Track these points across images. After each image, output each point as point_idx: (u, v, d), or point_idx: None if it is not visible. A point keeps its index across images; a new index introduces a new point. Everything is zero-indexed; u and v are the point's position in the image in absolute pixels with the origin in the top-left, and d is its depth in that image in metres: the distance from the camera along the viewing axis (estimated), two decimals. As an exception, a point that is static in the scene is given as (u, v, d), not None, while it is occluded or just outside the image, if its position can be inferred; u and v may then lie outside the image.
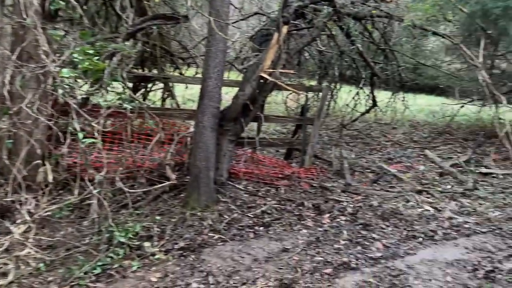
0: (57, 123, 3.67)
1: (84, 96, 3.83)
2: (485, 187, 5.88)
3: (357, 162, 6.90)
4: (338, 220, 4.52)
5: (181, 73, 6.53)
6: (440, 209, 4.96)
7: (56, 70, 3.00)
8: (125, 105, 3.74)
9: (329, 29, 6.28)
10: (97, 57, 3.21)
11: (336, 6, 4.98)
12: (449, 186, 5.84)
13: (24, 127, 3.53)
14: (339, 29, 5.83)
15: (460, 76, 10.25)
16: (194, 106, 8.34)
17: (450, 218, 4.71)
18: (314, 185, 5.59)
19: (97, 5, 5.50)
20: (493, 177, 6.33)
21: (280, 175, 5.82)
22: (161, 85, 7.02)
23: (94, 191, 3.28)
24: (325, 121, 9.63)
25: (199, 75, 6.59)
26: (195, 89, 7.24)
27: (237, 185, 5.21)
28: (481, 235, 4.32)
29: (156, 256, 3.48)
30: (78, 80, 3.60)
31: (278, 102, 10.15)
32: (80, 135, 3.15)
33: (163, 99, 7.57)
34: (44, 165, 3.50)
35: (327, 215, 4.63)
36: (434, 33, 6.09)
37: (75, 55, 3.02)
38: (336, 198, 5.12)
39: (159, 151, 5.35)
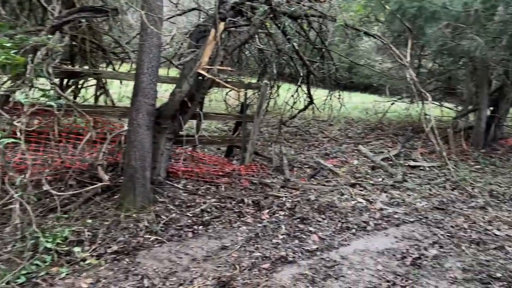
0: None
1: (3, 93, 3.52)
2: (413, 179, 6.29)
3: (296, 158, 7.06)
4: (277, 215, 4.58)
5: (114, 69, 6.25)
6: (372, 201, 5.22)
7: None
8: (49, 103, 3.49)
9: (266, 27, 6.34)
10: (15, 51, 2.96)
11: (272, 4, 5.03)
12: (380, 179, 6.16)
13: None
14: (277, 28, 5.91)
15: (391, 75, 10.88)
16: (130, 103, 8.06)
17: (381, 209, 4.98)
18: (254, 181, 5.63)
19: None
20: (421, 169, 6.79)
21: (220, 173, 5.79)
22: (94, 81, 6.69)
23: (16, 195, 3.03)
24: (265, 118, 9.76)
25: (134, 71, 6.36)
26: (132, 86, 7.00)
27: (176, 184, 5.10)
28: (409, 225, 4.61)
29: (87, 261, 3.30)
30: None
31: (220, 99, 10.12)
32: (-4, 135, 2.89)
33: (96, 96, 7.23)
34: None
35: (267, 210, 4.68)
36: (366, 33, 6.38)
37: (-11, 48, 2.76)
38: (276, 194, 5.20)
39: (92, 151, 5.09)
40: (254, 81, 8.92)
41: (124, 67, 6.66)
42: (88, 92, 7.61)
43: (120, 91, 8.28)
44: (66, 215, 3.88)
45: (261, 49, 8.27)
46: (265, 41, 8.31)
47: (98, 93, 6.62)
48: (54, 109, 3.86)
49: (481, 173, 6.81)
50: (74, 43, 4.97)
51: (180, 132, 5.32)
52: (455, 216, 4.88)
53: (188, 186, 5.22)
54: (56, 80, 4.45)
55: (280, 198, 5.07)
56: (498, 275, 3.49)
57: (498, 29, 4.79)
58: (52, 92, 3.85)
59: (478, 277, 3.46)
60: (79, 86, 6.71)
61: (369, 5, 5.97)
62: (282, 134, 8.25)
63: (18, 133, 3.37)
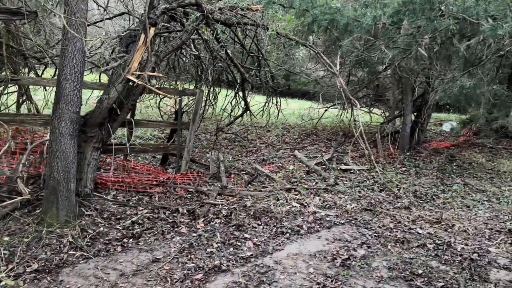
0: None
1: None
2: (344, 182, 6.55)
3: (234, 165, 7.06)
4: (213, 223, 4.54)
5: (37, 74, 5.85)
6: (306, 204, 5.36)
7: None
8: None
9: (199, 34, 6.30)
10: None
11: (204, 11, 5.01)
12: (314, 183, 6.35)
13: None
14: (211, 34, 5.89)
15: (324, 83, 11.31)
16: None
17: (314, 212, 5.12)
18: (190, 190, 5.54)
19: None
20: (351, 173, 7.10)
21: (154, 182, 5.63)
22: (16, 88, 6.21)
23: None
24: (203, 125, 9.69)
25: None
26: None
27: (104, 196, 4.86)
28: (340, 226, 4.78)
29: (3, 283, 3.02)
30: None
31: (155, 106, 9.86)
32: None
33: (19, 104, 6.72)
34: None
35: (202, 219, 4.62)
36: (297, 42, 6.57)
37: None
38: (212, 202, 5.15)
39: (11, 163, 4.71)
40: (192, 87, 8.82)
41: (49, 73, 6.25)
42: (10, 99, 7.06)
43: (48, 97, 7.78)
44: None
45: (197, 55, 8.20)
46: (202, 48, 8.26)
47: (20, 101, 6.14)
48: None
49: (406, 175, 7.27)
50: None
51: (109, 141, 5.10)
52: (382, 217, 5.15)
53: (118, 198, 5.01)
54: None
55: (217, 206, 5.03)
56: (420, 271, 3.72)
57: (406, 41, 5.18)
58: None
59: (402, 274, 3.66)
60: (-2, 93, 6.19)
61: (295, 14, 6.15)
62: (219, 141, 8.23)
63: None
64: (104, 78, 6.99)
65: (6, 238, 3.56)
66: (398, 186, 6.49)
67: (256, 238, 4.25)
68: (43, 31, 5.59)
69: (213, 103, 9.54)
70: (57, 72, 4.10)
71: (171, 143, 6.48)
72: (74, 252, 3.58)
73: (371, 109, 11.77)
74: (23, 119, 4.67)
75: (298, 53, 12.34)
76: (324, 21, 5.28)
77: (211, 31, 5.54)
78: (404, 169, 7.70)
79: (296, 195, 5.73)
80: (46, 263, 3.36)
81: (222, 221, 4.63)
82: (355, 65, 8.78)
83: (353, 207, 5.42)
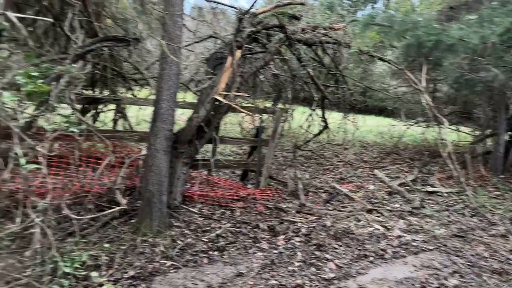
0: (-2, 147, 3.46)
1: (28, 119, 3.65)
2: (431, 205, 6.18)
3: (311, 183, 7.03)
4: (292, 241, 4.55)
5: (133, 94, 6.41)
6: (390, 227, 5.14)
7: (-3, 93, 2.84)
8: (71, 128, 3.59)
9: (281, 54, 6.46)
10: (42, 80, 3.08)
11: (287, 32, 5.14)
12: (397, 205, 6.08)
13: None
14: (292, 54, 6.02)
15: (406, 99, 10.86)
16: (148, 127, 8.21)
17: (399, 236, 4.89)
18: (270, 206, 5.62)
19: (46, 25, 5.31)
20: (438, 195, 6.68)
21: (235, 197, 5.80)
22: (113, 106, 6.84)
23: (37, 219, 3.09)
24: (279, 142, 9.80)
25: (153, 96, 6.51)
26: (150, 110, 7.15)
27: (191, 209, 5.12)
28: (428, 253, 4.51)
29: (104, 287, 3.31)
30: (22, 103, 3.43)
31: (234, 123, 10.22)
32: (22, 160, 2.98)
33: (115, 121, 7.38)
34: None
35: (282, 236, 4.65)
36: (380, 59, 6.43)
37: (18, 77, 2.89)
38: (291, 219, 5.17)
39: (110, 175, 5.17)
40: (268, 104, 9.01)
41: (143, 93, 6.82)
42: (107, 116, 7.80)
43: (138, 114, 8.45)
44: (84, 239, 3.92)
45: (275, 74, 8.38)
46: (280, 66, 8.43)
47: (116, 118, 6.76)
48: (75, 134, 3.97)
49: (500, 200, 6.66)
50: (95, 70, 5.13)
51: (196, 156, 5.38)
52: (475, 244, 4.76)
53: (203, 211, 5.24)
54: (78, 106, 4.59)
55: (296, 224, 5.04)
56: (523, 307, 3.38)
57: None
58: (73, 117, 3.97)
59: (502, 309, 3.35)
60: (98, 111, 6.87)
61: (383, 31, 6.04)
62: (297, 158, 8.25)
63: (41, 158, 3.46)
64: (189, 97, 7.44)
65: (107, 245, 3.90)
66: (492, 212, 5.96)
67: (338, 259, 4.18)
68: (138, 54, 6.14)
69: (290, 120, 9.64)
70: (154, 93, 4.45)
71: (251, 159, 6.66)
72: (165, 262, 3.81)
73: (458, 127, 11.02)
74: (122, 135, 5.13)
75: (377, 68, 12.03)
76: (429, 42, 5.13)
77: (293, 51, 5.66)
78: (498, 193, 7.06)
79: (378, 216, 5.53)
80: (141, 270, 3.61)
81: (302, 239, 4.62)
82: (454, 84, 8.29)
83: (442, 233, 5.08)
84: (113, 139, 4.94)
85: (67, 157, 4.58)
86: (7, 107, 3.08)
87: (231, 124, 10.74)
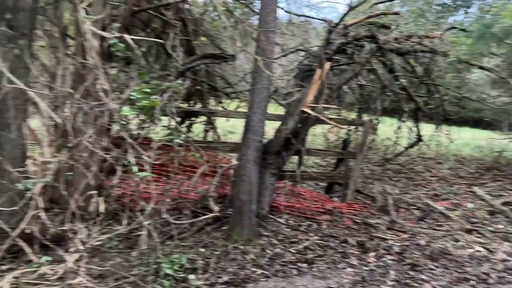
0: (109, 155, 3.86)
1: (137, 130, 4.03)
2: (542, 227, 5.53)
3: (401, 198, 6.71)
4: (384, 259, 4.37)
5: (223, 107, 6.73)
6: (493, 250, 4.70)
7: (115, 107, 3.20)
8: (175, 139, 3.89)
9: (370, 63, 6.31)
10: (154, 96, 3.41)
11: (379, 42, 5.02)
12: (501, 226, 5.54)
13: (81, 159, 3.74)
14: (381, 64, 5.86)
15: (508, 110, 9.88)
16: (234, 138, 8.54)
17: (504, 260, 4.45)
18: (357, 221, 5.47)
19: (149, 45, 5.84)
20: (550, 217, 5.95)
21: (321, 210, 5.75)
22: (204, 118, 7.24)
23: (145, 223, 3.38)
24: (366, 155, 9.51)
25: (241, 109, 6.77)
26: (234, 121, 7.46)
27: (278, 219, 5.19)
28: (540, 281, 4.04)
29: (201, 290, 3.49)
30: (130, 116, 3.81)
31: (317, 134, 10.16)
32: (135, 168, 3.30)
33: (206, 132, 7.79)
34: (100, 195, 3.66)
35: (373, 253, 4.50)
36: (481, 68, 5.97)
37: (133, 93, 3.23)
38: (381, 236, 4.98)
39: (202, 183, 5.46)
40: (353, 115, 8.82)
41: (232, 105, 7.12)
42: (197, 127, 8.28)
43: (224, 125, 8.83)
44: (182, 243, 4.19)
45: (361, 84, 8.20)
46: (367, 76, 8.23)
47: (207, 129, 7.13)
48: (174, 144, 4.29)
49: None
50: (193, 85, 5.50)
51: (283, 167, 5.46)
52: None
53: (290, 221, 5.27)
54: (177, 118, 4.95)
55: (386, 241, 4.84)
56: None
57: None
58: (174, 129, 4.30)
59: None
60: (191, 122, 7.31)
61: (483, 37, 5.59)
62: (385, 172, 7.94)
63: (146, 166, 3.79)
64: (270, 108, 7.59)
65: (202, 249, 4.12)
66: None
67: (435, 281, 3.92)
68: (232, 69, 6.45)
69: (377, 132, 9.33)
70: (246, 106, 4.63)
71: (337, 172, 6.56)
72: (256, 269, 3.90)
73: None
74: (215, 145, 5.41)
75: (474, 77, 11.14)
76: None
77: (383, 61, 5.51)
78: None
79: (479, 237, 5.08)
80: (234, 276, 3.75)
81: (395, 257, 4.42)
82: None
83: (558, 260, 4.51)
84: (207, 149, 5.22)
85: (166, 165, 4.96)
86: (122, 120, 3.44)
87: (313, 135, 10.71)
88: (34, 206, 3.50)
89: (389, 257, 4.41)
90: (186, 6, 5.15)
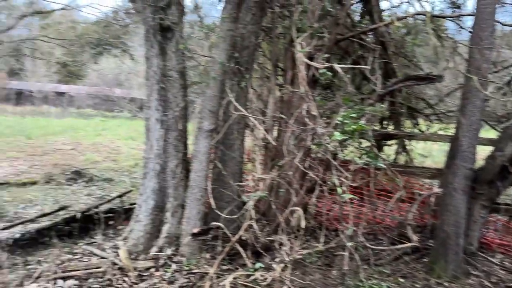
0: (312, 175, 4.11)
1: (336, 153, 4.18)
2: None
3: None
4: None
5: (419, 129, 6.34)
6: None
7: (323, 131, 3.42)
8: (373, 163, 3.87)
9: None
10: (362, 122, 3.50)
11: None
12: None
13: (287, 178, 4.11)
14: None
15: None
16: (426, 162, 7.89)
17: None
18: None
19: (344, 69, 6.02)
20: None
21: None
22: (395, 140, 6.96)
23: (348, 244, 3.45)
24: None
25: (441, 132, 6.23)
26: (425, 143, 6.85)
27: (490, 258, 4.54)
28: None
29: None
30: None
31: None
32: (339, 189, 3.43)
33: (397, 154, 7.46)
34: (304, 212, 3.94)
35: None
36: None
37: (340, 119, 3.39)
38: None
39: (397, 209, 5.24)
40: None
41: (432, 127, 6.62)
42: (386, 149, 7.98)
43: (415, 149, 8.25)
44: (379, 269, 4.09)
45: None
46: None
47: (400, 152, 6.82)
48: (370, 168, 4.27)
49: None
50: (391, 107, 5.40)
51: (496, 199, 4.77)
52: None
53: (505, 263, 4.54)
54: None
55: None
56: None
57: None
58: (371, 152, 4.28)
59: None
60: (382, 145, 7.13)
61: None
62: None
63: (344, 188, 3.87)
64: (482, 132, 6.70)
65: (402, 280, 3.93)
66: None
67: None
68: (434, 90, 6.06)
69: None
70: (454, 129, 4.27)
71: None
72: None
73: None
74: (413, 170, 5.14)
75: None
76: None
77: None
78: None
79: None
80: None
81: None
82: None
83: None
84: (404, 174, 5.01)
85: (361, 188, 4.96)
86: (326, 143, 3.64)
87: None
88: (249, 217, 4.00)
89: None
90: (386, 29, 5.13)
